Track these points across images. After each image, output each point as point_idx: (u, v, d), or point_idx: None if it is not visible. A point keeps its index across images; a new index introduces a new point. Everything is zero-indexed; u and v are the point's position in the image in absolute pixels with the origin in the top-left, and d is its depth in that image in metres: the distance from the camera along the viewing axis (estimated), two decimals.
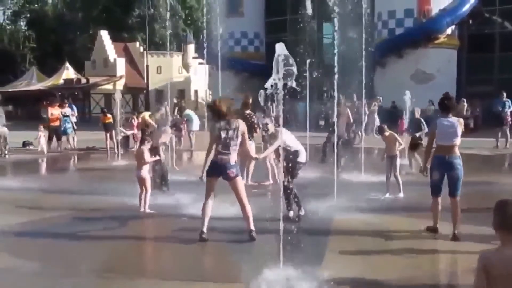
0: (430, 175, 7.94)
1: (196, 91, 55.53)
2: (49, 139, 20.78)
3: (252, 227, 7.44)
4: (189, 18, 66.86)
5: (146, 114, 12.66)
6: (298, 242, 6.94)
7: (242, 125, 7.53)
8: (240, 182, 7.58)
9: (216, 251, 7.44)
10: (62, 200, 10.81)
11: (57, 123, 21.16)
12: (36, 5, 75.43)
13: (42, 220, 9.08)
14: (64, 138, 21.45)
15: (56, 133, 21.16)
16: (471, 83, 35.18)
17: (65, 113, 21.85)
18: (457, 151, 7.82)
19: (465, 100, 30.18)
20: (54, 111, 21.39)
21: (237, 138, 7.42)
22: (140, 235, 8.51)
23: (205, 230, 7.47)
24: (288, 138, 8.73)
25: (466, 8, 32.76)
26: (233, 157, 7.46)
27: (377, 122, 22.97)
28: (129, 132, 18.69)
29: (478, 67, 35.14)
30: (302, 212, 8.91)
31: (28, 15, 73.42)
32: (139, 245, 7.99)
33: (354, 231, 8.19)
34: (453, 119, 7.83)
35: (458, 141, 7.80)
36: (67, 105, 23.29)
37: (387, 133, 11.04)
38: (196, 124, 21.69)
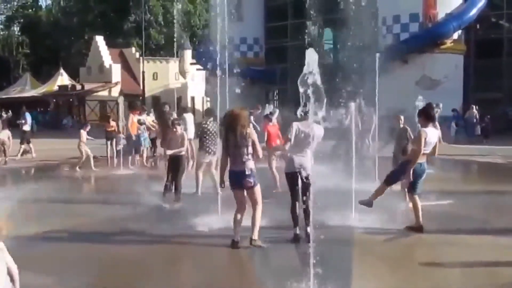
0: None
1: (193, 98, 54.57)
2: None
3: (255, 236, 7.42)
4: (187, 24, 65.96)
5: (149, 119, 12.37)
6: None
7: (252, 133, 7.54)
8: (258, 192, 7.56)
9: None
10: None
11: (136, 133, 17.80)
12: (30, 10, 74.44)
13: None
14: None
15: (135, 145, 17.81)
16: (479, 89, 34.31)
17: (143, 120, 18.21)
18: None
19: (474, 106, 29.42)
20: (135, 118, 17.74)
21: (248, 146, 7.41)
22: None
23: (237, 239, 7.47)
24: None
25: (473, 12, 31.94)
26: (248, 166, 7.37)
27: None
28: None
29: (485, 72, 34.26)
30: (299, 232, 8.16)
31: (22, 21, 72.37)
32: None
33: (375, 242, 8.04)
34: (437, 129, 8.71)
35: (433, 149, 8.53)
36: (145, 112, 19.82)
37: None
38: (191, 131, 20.10)
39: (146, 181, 14.06)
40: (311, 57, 6.09)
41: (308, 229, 8.00)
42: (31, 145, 21.21)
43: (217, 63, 18.86)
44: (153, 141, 19.09)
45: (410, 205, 8.88)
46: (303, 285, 5.84)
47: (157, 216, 10.15)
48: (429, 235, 8.31)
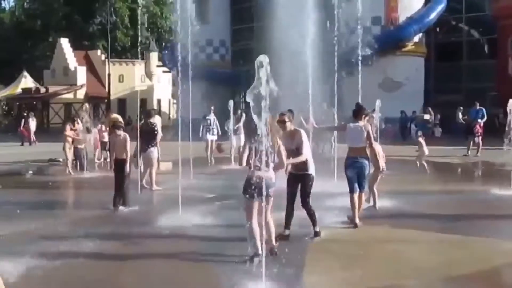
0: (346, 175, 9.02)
1: (159, 100, 54.39)
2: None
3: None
4: (153, 26, 65.64)
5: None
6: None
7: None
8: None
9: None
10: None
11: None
12: None
13: None
14: None
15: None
16: (439, 91, 35.01)
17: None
18: (365, 152, 8.97)
19: (429, 108, 30.17)
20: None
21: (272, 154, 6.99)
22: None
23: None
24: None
25: (433, 16, 32.66)
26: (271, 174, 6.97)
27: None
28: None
29: (446, 75, 35.01)
30: (317, 229, 8.30)
31: None
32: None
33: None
34: (360, 124, 8.98)
35: (364, 143, 8.92)
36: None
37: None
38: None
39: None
40: (262, 61, 5.92)
41: (317, 228, 8.31)
42: None
43: (181, 65, 19.03)
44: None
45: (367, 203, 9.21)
46: (253, 283, 5.95)
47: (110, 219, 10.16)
48: (382, 233, 8.64)
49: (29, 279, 6.53)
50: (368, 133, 8.90)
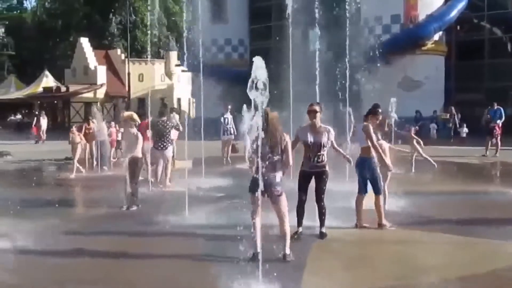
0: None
1: (179, 99, 54.56)
2: None
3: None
4: (173, 25, 65.90)
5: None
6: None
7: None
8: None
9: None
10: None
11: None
12: (15, 12, 74.07)
13: None
14: None
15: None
16: (460, 90, 34.61)
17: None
18: (369, 152, 8.67)
19: (453, 108, 29.83)
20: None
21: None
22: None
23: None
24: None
25: (454, 13, 32.23)
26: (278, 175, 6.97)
27: None
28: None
29: (466, 74, 34.53)
30: (324, 230, 8.28)
31: (7, 22, 71.94)
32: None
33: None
34: (364, 124, 8.75)
35: (364, 144, 8.65)
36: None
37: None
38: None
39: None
40: (258, 64, 5.90)
41: (323, 229, 8.25)
42: None
43: (198, 65, 18.96)
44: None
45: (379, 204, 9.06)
46: (252, 283, 5.92)
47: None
48: (387, 233, 8.53)
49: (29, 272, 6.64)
50: (366, 133, 8.62)
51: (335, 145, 8.36)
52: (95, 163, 17.75)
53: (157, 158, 13.26)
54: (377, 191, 8.73)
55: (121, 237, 8.62)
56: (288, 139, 7.06)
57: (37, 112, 38.77)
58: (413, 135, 16.11)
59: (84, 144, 17.36)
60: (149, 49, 51.36)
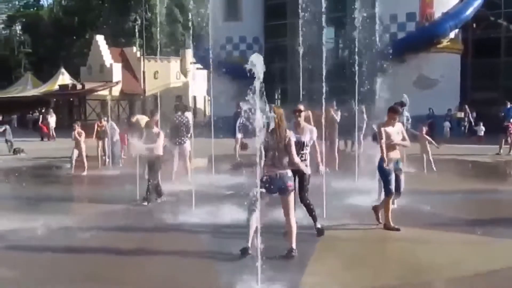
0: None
1: (194, 97, 54.65)
2: None
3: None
4: (188, 22, 65.99)
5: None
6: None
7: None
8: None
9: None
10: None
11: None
12: (31, 10, 74.64)
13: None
14: None
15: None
16: (476, 89, 34.38)
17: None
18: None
19: (466, 106, 29.68)
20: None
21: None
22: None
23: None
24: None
25: (470, 11, 32.04)
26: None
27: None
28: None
29: (483, 72, 34.31)
30: (319, 225, 8.32)
31: (23, 20, 72.57)
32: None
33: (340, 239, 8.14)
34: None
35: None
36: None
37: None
38: None
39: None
40: (256, 61, 6.02)
41: (318, 224, 8.31)
42: None
43: (212, 63, 19.03)
44: None
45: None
46: (253, 281, 5.95)
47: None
48: (393, 233, 8.49)
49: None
50: (377, 132, 8.71)
51: (317, 146, 8.41)
52: (107, 160, 17.92)
53: (174, 153, 13.38)
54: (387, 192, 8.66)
55: (124, 233, 8.78)
56: (292, 137, 7.14)
57: (43, 110, 39.13)
58: (424, 135, 16.03)
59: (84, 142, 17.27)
60: (158, 46, 51.32)
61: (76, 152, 16.76)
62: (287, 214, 7.12)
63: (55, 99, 50.45)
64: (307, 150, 8.18)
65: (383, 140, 8.52)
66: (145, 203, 10.90)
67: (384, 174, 8.59)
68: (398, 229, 8.52)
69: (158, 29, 49.41)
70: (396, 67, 31.66)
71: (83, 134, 17.01)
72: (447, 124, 29.59)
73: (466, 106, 30.13)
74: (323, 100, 10.75)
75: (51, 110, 37.40)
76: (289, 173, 7.06)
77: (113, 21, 61.03)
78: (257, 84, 6.01)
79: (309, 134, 8.13)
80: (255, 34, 42.07)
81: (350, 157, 14.04)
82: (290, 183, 7.04)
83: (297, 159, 7.21)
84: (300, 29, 16.99)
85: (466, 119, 29.70)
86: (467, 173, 16.12)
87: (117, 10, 61.49)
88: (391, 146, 8.57)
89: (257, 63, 5.98)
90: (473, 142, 25.48)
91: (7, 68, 65.12)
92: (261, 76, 6.02)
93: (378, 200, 10.05)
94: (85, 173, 16.33)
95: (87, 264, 7.11)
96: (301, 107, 8.38)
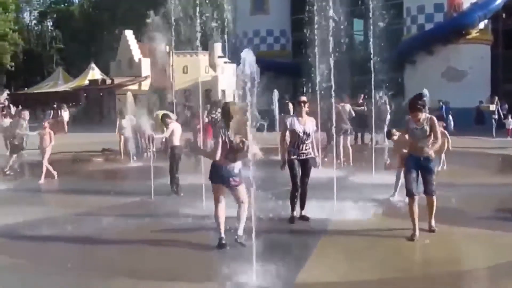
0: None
1: (223, 91, 54.79)
2: None
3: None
4: (217, 17, 66.20)
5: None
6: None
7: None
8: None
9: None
10: None
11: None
12: (62, 6, 75.65)
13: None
14: None
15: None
16: (508, 80, 33.86)
17: None
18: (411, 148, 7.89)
19: (496, 98, 29.13)
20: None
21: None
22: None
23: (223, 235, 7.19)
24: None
25: (499, 1, 31.59)
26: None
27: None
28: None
29: None
30: (303, 213, 8.76)
31: (55, 16, 73.62)
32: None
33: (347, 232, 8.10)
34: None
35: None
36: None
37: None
38: None
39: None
40: (248, 57, 6.07)
41: (303, 212, 8.67)
42: None
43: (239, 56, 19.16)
44: None
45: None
46: (247, 277, 5.95)
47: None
48: (397, 228, 8.14)
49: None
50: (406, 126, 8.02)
51: (313, 137, 8.63)
52: (131, 153, 18.17)
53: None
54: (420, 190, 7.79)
55: (134, 225, 8.90)
56: (249, 132, 7.09)
57: (55, 106, 39.80)
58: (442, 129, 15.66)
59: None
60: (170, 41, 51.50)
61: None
62: (240, 204, 7.29)
63: (85, 94, 51.16)
64: (310, 140, 8.45)
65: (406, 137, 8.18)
66: (179, 194, 11.13)
67: (404, 172, 8.10)
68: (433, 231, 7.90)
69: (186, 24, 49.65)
70: (424, 59, 31.49)
71: (52, 134, 14.95)
72: (450, 118, 28.92)
73: (496, 98, 29.66)
74: (352, 93, 10.76)
75: (65, 105, 38.03)
76: (237, 168, 7.18)
77: (142, 15, 61.47)
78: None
79: (312, 124, 8.46)
80: (282, 27, 42.13)
81: (370, 150, 13.84)
82: (236, 178, 7.17)
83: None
84: (328, 21, 17.06)
85: (496, 111, 29.19)
86: (488, 166, 15.83)
87: (146, 4, 61.88)
88: (412, 143, 7.77)
89: (247, 59, 6.07)
90: (502, 135, 25.02)
91: (39, 63, 66.18)
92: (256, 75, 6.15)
93: (393, 196, 10.14)
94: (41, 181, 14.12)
95: (98, 255, 7.33)
96: (305, 99, 8.57)
